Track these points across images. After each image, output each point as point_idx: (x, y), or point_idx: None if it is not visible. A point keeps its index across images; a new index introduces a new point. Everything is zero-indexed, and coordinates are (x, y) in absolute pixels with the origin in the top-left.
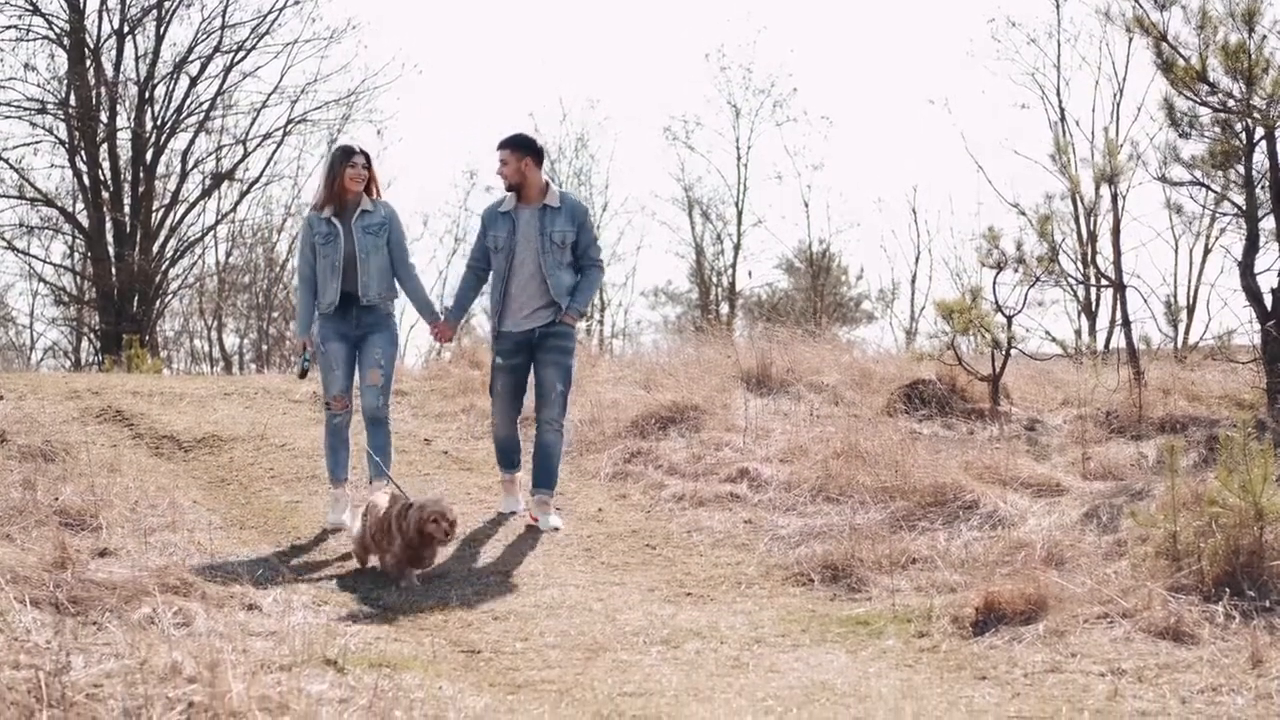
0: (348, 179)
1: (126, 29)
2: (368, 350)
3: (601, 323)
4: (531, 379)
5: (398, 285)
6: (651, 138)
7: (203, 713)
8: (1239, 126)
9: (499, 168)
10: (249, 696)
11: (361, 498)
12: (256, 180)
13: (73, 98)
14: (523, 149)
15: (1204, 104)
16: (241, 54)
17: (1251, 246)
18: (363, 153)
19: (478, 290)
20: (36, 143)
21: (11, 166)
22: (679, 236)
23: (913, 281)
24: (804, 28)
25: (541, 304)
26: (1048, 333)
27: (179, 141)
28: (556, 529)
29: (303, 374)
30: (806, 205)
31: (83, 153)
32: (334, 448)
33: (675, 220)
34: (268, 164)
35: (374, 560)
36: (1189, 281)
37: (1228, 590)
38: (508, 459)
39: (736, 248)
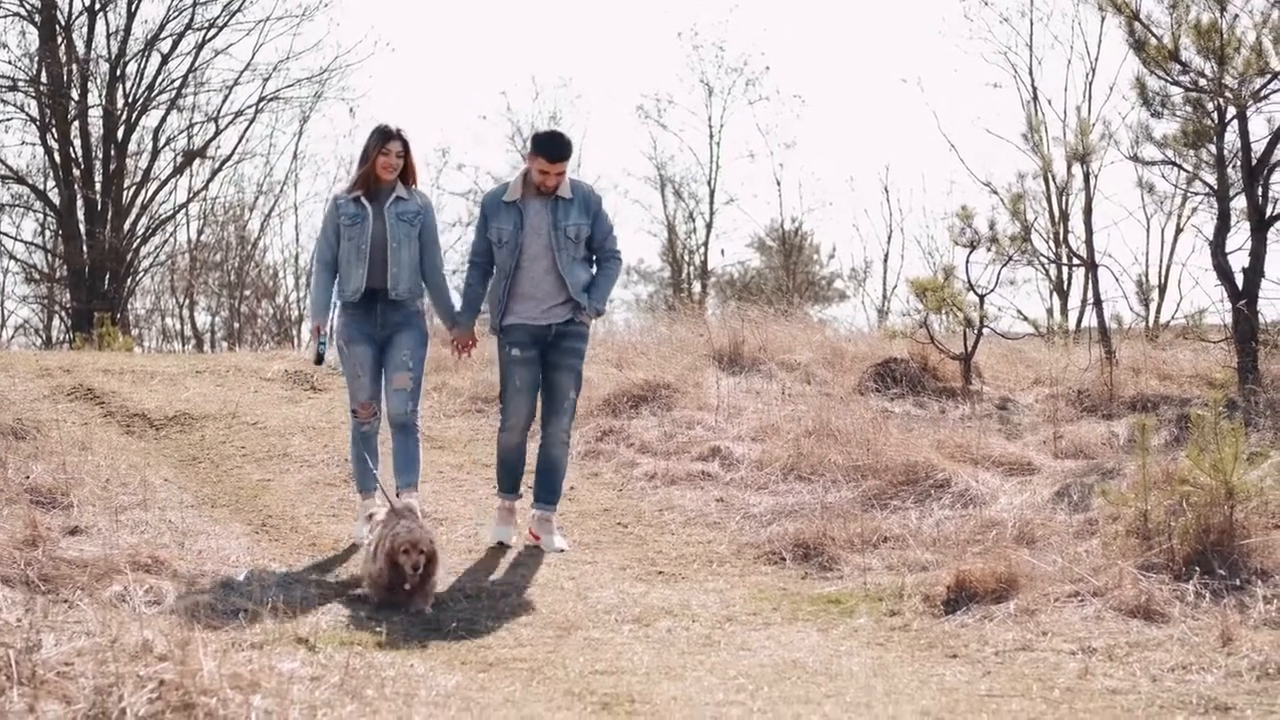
0: (380, 167)
1: (98, 6)
2: (395, 351)
3: None
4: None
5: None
6: (624, 116)
7: (174, 691)
8: (1211, 106)
9: (552, 179)
10: (220, 675)
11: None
12: (228, 158)
13: (44, 75)
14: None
15: (1176, 83)
16: (213, 31)
17: (1223, 225)
18: (400, 138)
19: (484, 287)
20: (7, 120)
21: None
22: (651, 215)
23: (885, 260)
24: (776, 6)
25: (558, 301)
26: (1020, 312)
27: (151, 119)
28: (562, 550)
29: (319, 359)
30: (779, 184)
31: (54, 130)
32: (361, 457)
33: (647, 199)
34: (239, 141)
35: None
36: (1160, 260)
37: (1198, 569)
38: (512, 477)
39: (709, 226)
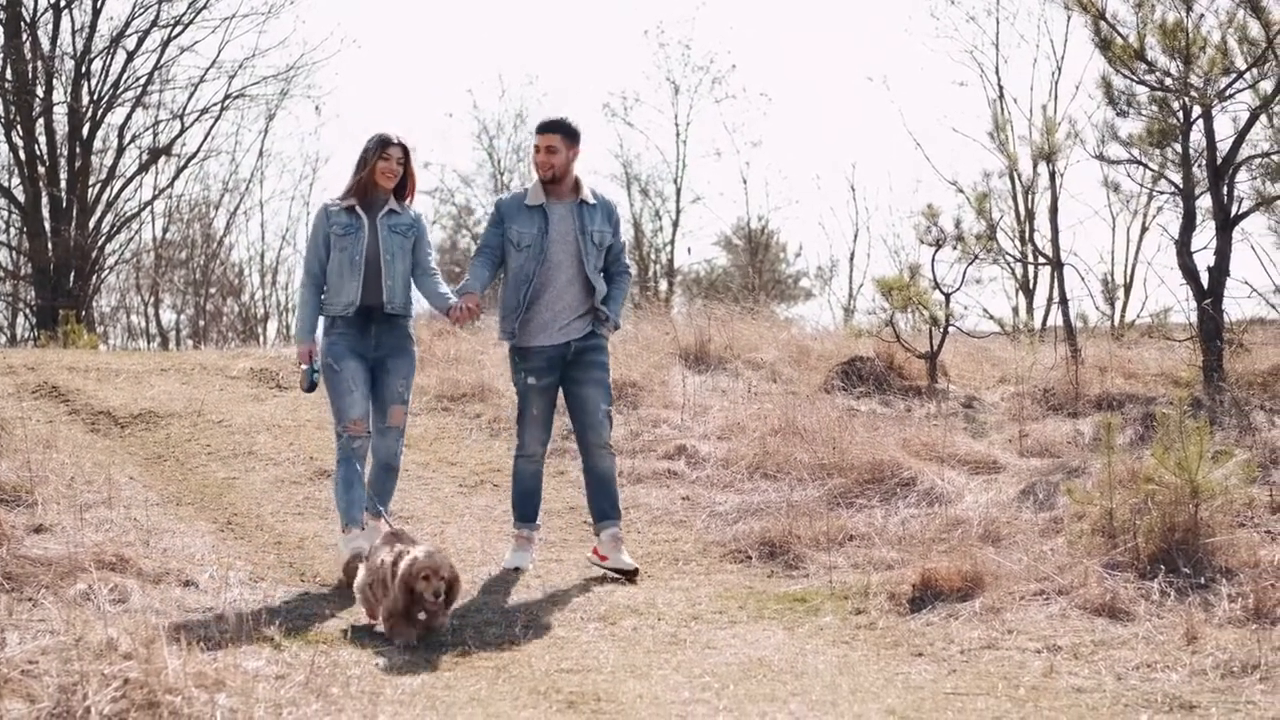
0: (379, 173)
1: (63, 3)
2: (389, 380)
3: None
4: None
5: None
6: (590, 114)
7: (138, 689)
8: (1176, 105)
9: (543, 155)
10: (185, 673)
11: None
12: (194, 156)
13: (9, 72)
14: (574, 138)
15: (1142, 82)
16: (179, 28)
17: (1188, 225)
18: (401, 145)
19: (493, 272)
20: None
21: None
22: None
23: (851, 259)
24: (742, 4)
25: (579, 313)
26: (985, 310)
27: (116, 116)
28: (635, 571)
29: (311, 387)
30: (745, 182)
31: (19, 127)
32: (349, 482)
33: (614, 196)
34: (205, 139)
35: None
36: (1126, 259)
37: (1163, 567)
38: (529, 505)
39: (675, 224)
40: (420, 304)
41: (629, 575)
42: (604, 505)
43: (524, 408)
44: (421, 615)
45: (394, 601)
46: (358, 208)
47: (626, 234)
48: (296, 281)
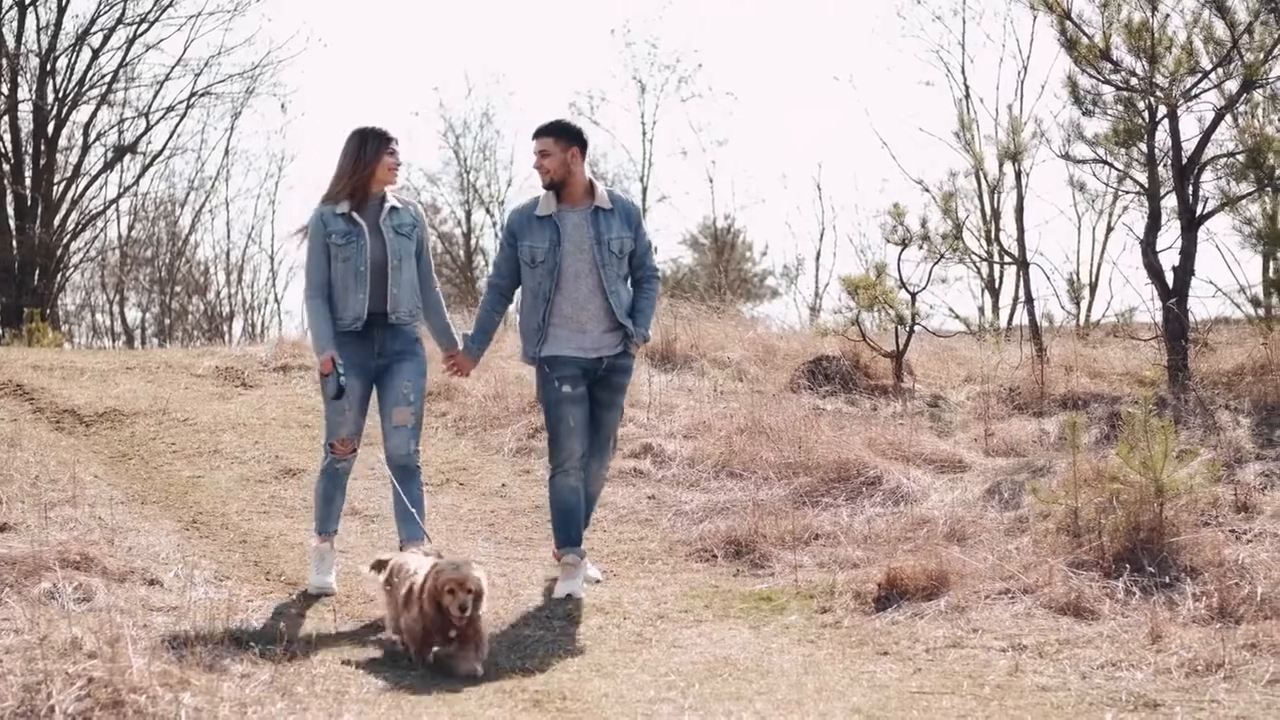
0: (384, 169)
1: (28, 0)
2: (394, 383)
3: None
4: None
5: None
6: (557, 113)
7: (103, 688)
8: (1142, 105)
9: (538, 160)
10: (150, 672)
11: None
12: (159, 153)
13: None
14: (569, 138)
15: (1107, 82)
16: (144, 26)
17: (1153, 224)
18: (396, 140)
19: (502, 313)
20: None
21: None
22: None
23: (817, 258)
24: (709, 3)
25: (607, 326)
26: (951, 309)
27: (81, 114)
28: (598, 581)
29: (339, 393)
30: (711, 181)
31: None
32: (330, 496)
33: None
34: (170, 137)
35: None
36: (1091, 259)
37: (1128, 566)
38: (573, 526)
39: None
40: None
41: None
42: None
43: (558, 419)
44: (451, 634)
45: (416, 621)
46: (354, 212)
47: None
48: (262, 279)
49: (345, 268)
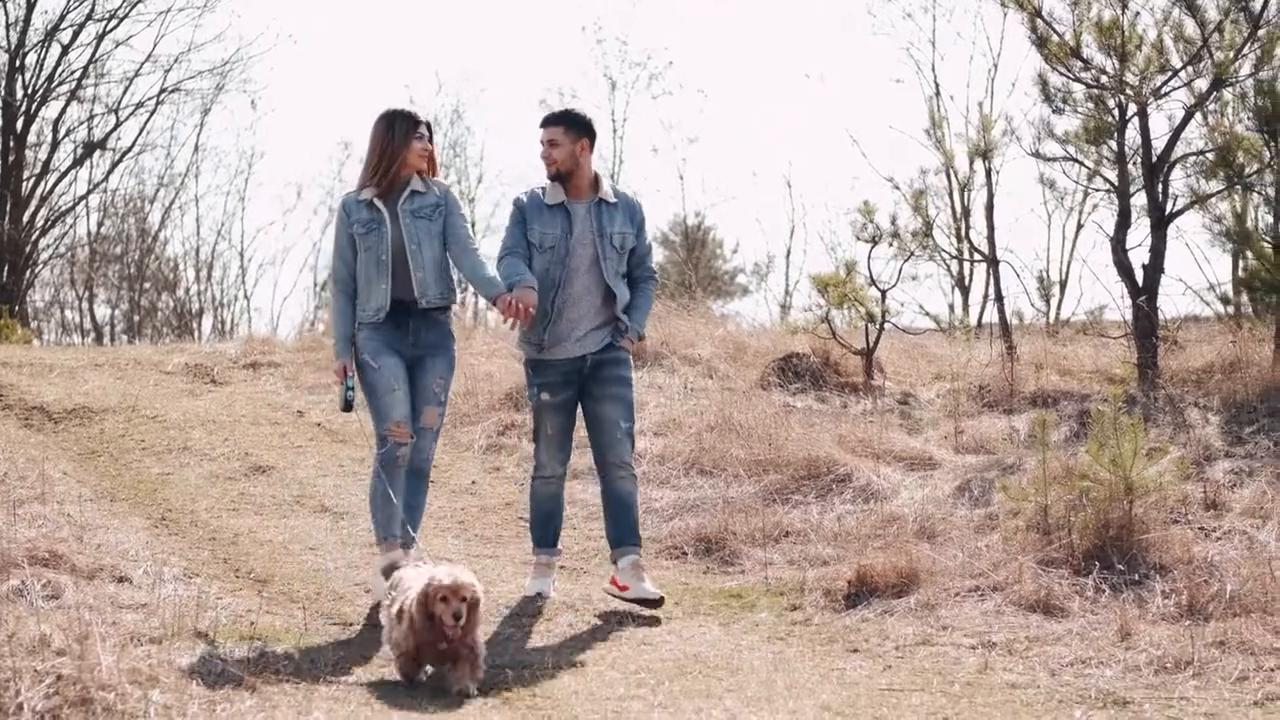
0: (415, 154)
1: None
2: (426, 379)
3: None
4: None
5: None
6: (528, 110)
7: (71, 685)
8: (1112, 103)
9: (545, 150)
10: (118, 669)
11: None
12: (129, 150)
13: None
14: (578, 128)
15: (1078, 80)
16: (114, 22)
17: (1123, 222)
18: (426, 123)
19: (528, 266)
20: None
21: None
22: None
23: (788, 255)
24: (680, 1)
25: (597, 323)
26: (921, 307)
27: (50, 110)
28: (660, 601)
29: (347, 406)
30: (682, 178)
31: None
32: (388, 495)
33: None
34: (140, 133)
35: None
36: (1061, 256)
37: (1097, 563)
38: (549, 528)
39: None
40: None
41: (653, 604)
42: (622, 531)
43: (539, 425)
44: (442, 647)
45: (408, 635)
46: (377, 200)
47: None
48: (232, 276)
49: (367, 257)
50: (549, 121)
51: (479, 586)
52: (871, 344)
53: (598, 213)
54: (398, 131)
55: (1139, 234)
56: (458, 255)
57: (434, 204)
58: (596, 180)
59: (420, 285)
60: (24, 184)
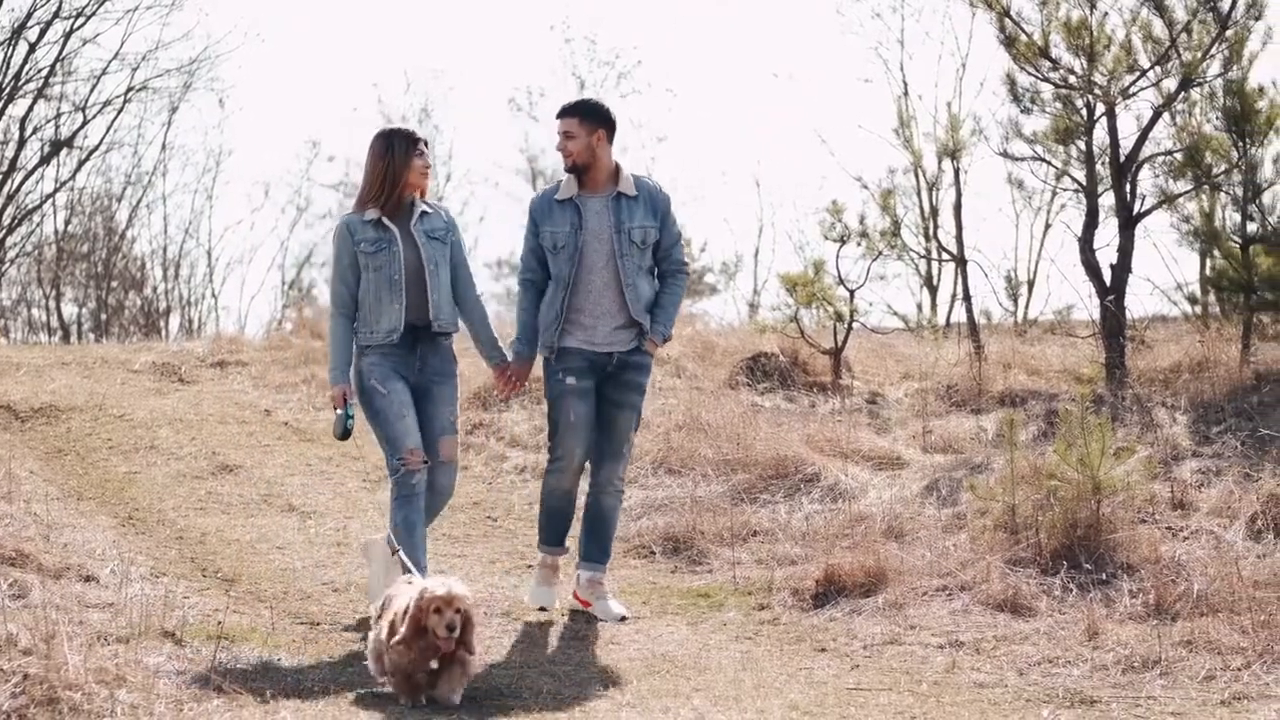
0: (416, 173)
1: None
2: (436, 409)
3: None
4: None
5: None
6: (496, 109)
7: (38, 685)
8: (1080, 102)
9: (561, 141)
10: (85, 669)
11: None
12: (96, 148)
13: None
14: (595, 119)
15: (1046, 80)
16: (81, 20)
17: (1091, 222)
18: (424, 139)
19: (538, 308)
20: None
21: None
22: (523, 208)
23: (756, 255)
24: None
25: (620, 323)
26: (890, 306)
27: (17, 108)
28: (623, 619)
29: (345, 434)
30: (650, 177)
31: None
32: (411, 525)
33: (519, 191)
34: (107, 131)
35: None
36: (1029, 256)
37: (1065, 563)
38: (559, 528)
39: None
40: None
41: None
42: (592, 546)
43: (559, 413)
44: (433, 665)
45: (402, 650)
46: (384, 219)
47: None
48: (199, 275)
49: (377, 277)
50: (564, 112)
51: (472, 600)
52: (840, 343)
53: (615, 207)
54: (397, 151)
55: (1107, 234)
56: (462, 292)
57: (444, 227)
58: (617, 172)
59: (435, 308)
60: None
